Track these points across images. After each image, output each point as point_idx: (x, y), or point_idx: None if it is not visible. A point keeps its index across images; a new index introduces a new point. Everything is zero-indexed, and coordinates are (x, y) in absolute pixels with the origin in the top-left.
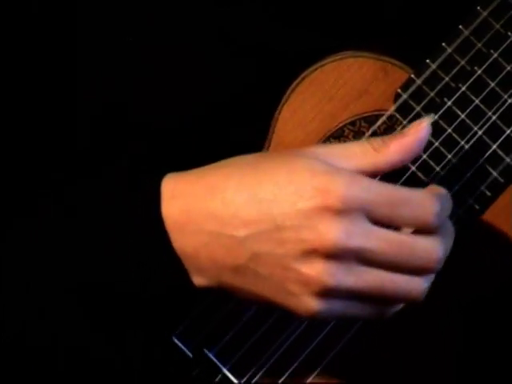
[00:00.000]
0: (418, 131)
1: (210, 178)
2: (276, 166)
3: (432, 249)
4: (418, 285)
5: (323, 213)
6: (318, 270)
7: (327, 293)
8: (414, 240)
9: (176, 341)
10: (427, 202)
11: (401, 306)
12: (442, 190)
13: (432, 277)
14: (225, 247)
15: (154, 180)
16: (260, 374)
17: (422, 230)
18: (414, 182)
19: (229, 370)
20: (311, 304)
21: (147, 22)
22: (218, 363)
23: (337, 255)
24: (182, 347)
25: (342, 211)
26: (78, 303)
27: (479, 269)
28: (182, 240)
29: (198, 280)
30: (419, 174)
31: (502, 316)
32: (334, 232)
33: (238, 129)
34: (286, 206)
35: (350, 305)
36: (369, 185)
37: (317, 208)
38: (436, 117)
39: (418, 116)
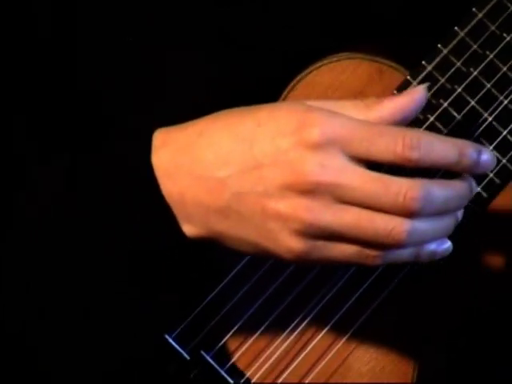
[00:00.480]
0: (413, 92)
1: (198, 123)
2: (260, 108)
3: (409, 186)
4: (398, 224)
5: (299, 147)
6: (295, 206)
7: (305, 229)
8: (389, 177)
9: (173, 343)
10: (404, 133)
11: (392, 254)
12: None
13: (421, 225)
14: (208, 189)
15: (146, 130)
16: (258, 375)
17: (404, 165)
18: None
19: (226, 372)
20: (291, 242)
21: (147, 21)
22: (215, 365)
23: (312, 190)
24: (179, 349)
25: (318, 145)
26: (78, 261)
27: (475, 279)
28: (170, 185)
29: (188, 228)
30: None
31: (498, 326)
32: (308, 166)
33: None
34: (266, 143)
35: (330, 245)
36: (345, 120)
37: (294, 143)
38: (432, 118)
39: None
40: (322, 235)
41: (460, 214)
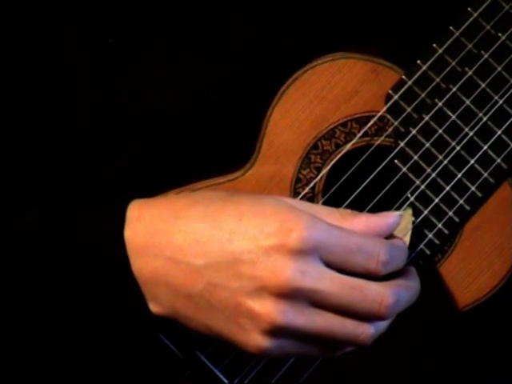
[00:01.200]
0: (388, 216)
1: (176, 204)
2: (243, 200)
3: (384, 294)
4: (366, 330)
5: (281, 251)
6: (269, 308)
7: (276, 331)
8: (366, 284)
9: (168, 342)
10: (378, 251)
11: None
12: (399, 242)
13: (383, 324)
14: (182, 274)
15: (121, 202)
16: (252, 375)
17: (372, 276)
18: (405, 183)
19: (221, 372)
20: (260, 341)
21: (131, 23)
22: (209, 365)
23: (289, 294)
24: (174, 348)
25: (300, 251)
26: (43, 323)
27: (456, 290)
28: (141, 264)
29: (154, 307)
30: (410, 175)
31: (480, 336)
32: (288, 271)
33: (230, 129)
34: (246, 240)
35: (299, 344)
36: (328, 229)
37: (276, 245)
38: (427, 118)
39: (408, 117)
40: (292, 336)
41: None
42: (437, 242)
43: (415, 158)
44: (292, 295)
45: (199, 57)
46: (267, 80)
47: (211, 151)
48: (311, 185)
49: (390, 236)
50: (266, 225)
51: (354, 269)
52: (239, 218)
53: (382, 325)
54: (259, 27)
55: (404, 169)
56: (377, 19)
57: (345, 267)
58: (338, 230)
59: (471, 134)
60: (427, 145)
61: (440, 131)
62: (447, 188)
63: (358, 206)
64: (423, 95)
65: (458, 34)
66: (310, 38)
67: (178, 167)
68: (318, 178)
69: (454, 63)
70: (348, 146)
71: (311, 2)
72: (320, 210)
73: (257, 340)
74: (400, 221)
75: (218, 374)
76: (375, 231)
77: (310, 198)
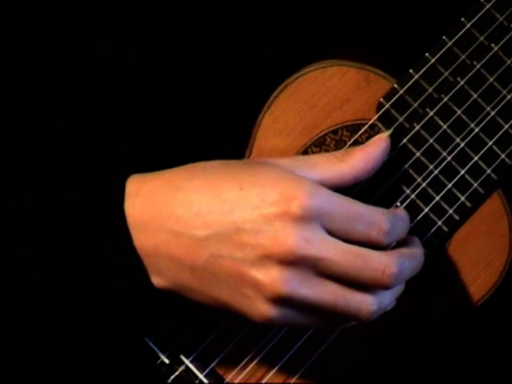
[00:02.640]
0: (380, 141)
1: (175, 178)
2: (241, 170)
3: (387, 262)
4: (369, 305)
5: (284, 219)
6: (273, 277)
7: (280, 300)
8: (369, 252)
9: (153, 346)
10: (380, 219)
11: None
12: (401, 212)
13: (385, 303)
14: (184, 247)
15: (120, 178)
16: (237, 380)
17: (373, 246)
18: (395, 192)
19: (205, 377)
20: (264, 309)
21: (123, 27)
22: (194, 370)
23: (293, 262)
24: (159, 353)
25: (303, 219)
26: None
27: (443, 293)
28: (143, 238)
29: (157, 281)
30: (400, 184)
31: (465, 341)
32: (292, 239)
33: (220, 135)
34: (248, 209)
35: (301, 314)
36: (330, 196)
37: (278, 214)
38: (418, 127)
39: (400, 126)
40: (297, 306)
41: None
42: (426, 251)
43: (405, 167)
44: (296, 263)
45: (189, 63)
46: (258, 86)
47: (201, 156)
48: None
49: None
50: (268, 194)
51: (355, 237)
52: (240, 188)
53: (385, 303)
54: (250, 34)
55: (394, 177)
56: (368, 26)
57: (346, 236)
58: (340, 198)
59: (462, 144)
60: (418, 154)
61: (431, 141)
62: (437, 198)
63: None
64: (415, 104)
65: (450, 43)
66: (300, 44)
67: (168, 166)
68: None
69: (446, 73)
70: None
71: (301, 9)
72: (317, 159)
73: (261, 309)
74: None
75: (203, 379)
76: (375, 161)
77: None
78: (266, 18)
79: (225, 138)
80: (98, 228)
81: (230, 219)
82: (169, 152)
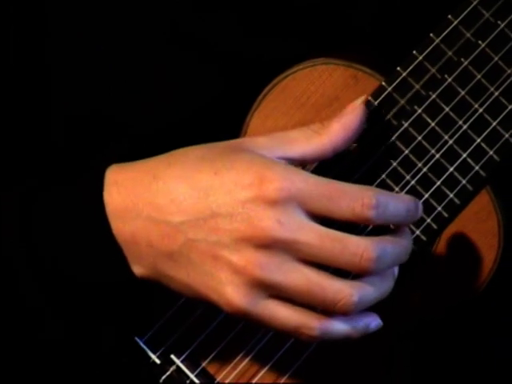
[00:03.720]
0: (355, 109)
1: (153, 166)
2: (218, 155)
3: (366, 246)
4: (347, 295)
5: (258, 202)
6: (247, 259)
7: (253, 284)
8: (347, 236)
9: (143, 346)
10: (364, 193)
11: (329, 329)
12: (400, 195)
13: (368, 296)
14: (161, 232)
15: (99, 168)
16: (228, 380)
17: (361, 223)
18: (384, 189)
19: (196, 376)
20: (234, 296)
21: (120, 29)
22: (185, 369)
23: (268, 245)
24: (150, 353)
25: (277, 202)
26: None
27: (433, 291)
28: (121, 226)
29: (137, 269)
30: (389, 182)
31: (452, 340)
32: (266, 222)
33: (213, 135)
34: (223, 194)
35: (272, 305)
36: (305, 176)
37: (252, 197)
38: (406, 124)
39: (388, 123)
40: (268, 292)
41: (396, 269)
42: (415, 248)
43: (394, 164)
44: (270, 246)
45: (184, 64)
46: (252, 87)
47: None
48: None
49: None
50: (242, 178)
51: (338, 215)
52: (214, 173)
53: (367, 296)
54: (243, 35)
55: (383, 175)
56: (357, 26)
57: (328, 214)
58: (316, 177)
59: (450, 141)
60: (406, 151)
61: (419, 138)
62: (426, 195)
63: None
64: (403, 102)
65: (438, 41)
66: (289, 45)
67: None
68: None
69: (433, 70)
70: None
71: (294, 11)
72: (294, 134)
73: (231, 295)
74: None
75: (194, 378)
76: (353, 129)
77: None
78: (258, 19)
79: (218, 138)
80: (78, 217)
81: (205, 204)
82: (161, 151)
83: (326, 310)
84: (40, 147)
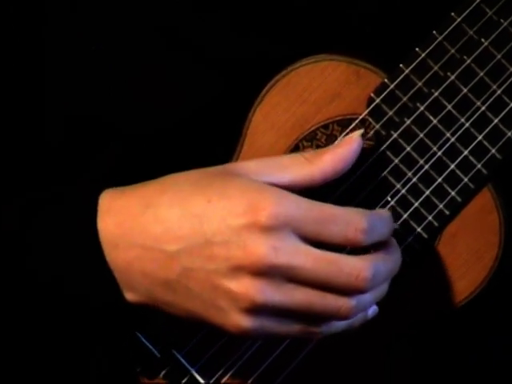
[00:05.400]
0: (351, 142)
1: (145, 192)
2: (210, 183)
3: (361, 267)
4: (347, 302)
5: (252, 229)
6: (247, 287)
7: (256, 309)
8: (341, 258)
9: (144, 340)
10: (356, 218)
11: (332, 327)
12: (382, 211)
13: (366, 297)
14: (156, 261)
15: (92, 194)
16: (228, 375)
17: (352, 247)
18: (386, 186)
19: (197, 372)
20: (240, 320)
21: (115, 32)
22: (186, 364)
23: (265, 272)
24: (150, 347)
25: (271, 228)
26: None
27: (434, 288)
28: (115, 254)
29: (130, 296)
30: (391, 179)
31: (449, 341)
32: (261, 249)
33: (209, 138)
34: (216, 222)
35: (279, 322)
36: (297, 202)
37: (246, 225)
38: (408, 122)
39: (390, 120)
40: (272, 314)
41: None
42: (416, 246)
43: (396, 161)
44: (267, 272)
45: (179, 68)
46: (248, 90)
47: (192, 160)
48: None
49: None
50: (235, 205)
51: (331, 240)
52: (208, 201)
53: (365, 301)
54: (239, 38)
55: (385, 172)
56: (357, 26)
57: (321, 239)
58: (309, 202)
59: (452, 139)
60: (408, 149)
61: (421, 135)
62: (427, 192)
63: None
64: (405, 99)
65: (441, 38)
66: (286, 47)
67: (159, 173)
68: None
69: (436, 67)
70: None
71: (289, 13)
72: (286, 161)
73: (236, 320)
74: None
75: (195, 373)
76: (345, 162)
77: None
78: (257, 19)
79: (215, 141)
80: (71, 244)
81: (200, 232)
82: (159, 155)
83: (328, 318)
84: (34, 151)
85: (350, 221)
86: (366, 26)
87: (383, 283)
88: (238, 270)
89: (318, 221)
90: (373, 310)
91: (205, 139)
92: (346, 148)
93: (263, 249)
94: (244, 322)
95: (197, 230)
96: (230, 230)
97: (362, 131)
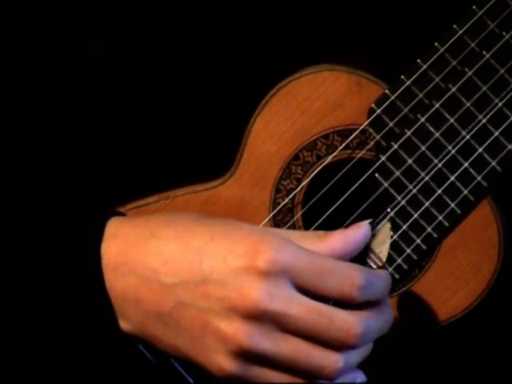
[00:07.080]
0: (360, 227)
1: (151, 223)
2: (215, 221)
3: (352, 322)
4: (333, 362)
5: (250, 272)
6: (236, 329)
7: (241, 353)
8: (334, 311)
9: (140, 347)
10: (354, 274)
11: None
12: (381, 271)
13: (353, 359)
14: (152, 292)
15: (101, 218)
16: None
17: (346, 302)
18: (385, 197)
19: (193, 379)
20: (224, 363)
21: (113, 31)
22: (182, 371)
23: (256, 316)
24: (147, 353)
25: (268, 273)
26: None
27: (431, 300)
28: (114, 280)
29: (124, 325)
30: (391, 190)
31: (450, 350)
32: (256, 293)
33: (211, 141)
34: (216, 260)
35: (263, 371)
36: (298, 251)
37: (244, 267)
38: (409, 133)
39: (391, 131)
40: (257, 360)
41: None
42: (415, 257)
43: (397, 173)
44: (259, 317)
45: (180, 71)
46: (249, 91)
47: (192, 161)
48: (291, 196)
49: (367, 250)
50: (236, 246)
51: (327, 293)
52: (211, 239)
53: (352, 361)
54: (239, 39)
55: (385, 184)
56: (360, 32)
57: (317, 291)
58: (309, 254)
59: (453, 151)
60: (409, 161)
61: (422, 147)
62: (427, 204)
63: (337, 219)
64: (406, 110)
65: (442, 50)
66: (289, 50)
67: (159, 175)
68: (298, 189)
69: (437, 79)
70: (329, 158)
71: (292, 15)
72: (294, 234)
73: (221, 361)
74: (377, 233)
75: (191, 381)
76: (354, 246)
77: (289, 209)
78: (257, 20)
79: (214, 141)
80: (73, 265)
81: (198, 268)
82: (158, 155)
83: (313, 375)
84: (34, 151)
85: (347, 276)
86: (366, 26)
87: (370, 342)
88: (231, 310)
89: (315, 272)
90: (361, 379)
91: (205, 139)
92: (356, 232)
93: (258, 293)
94: (228, 365)
95: (195, 266)
96: (228, 270)
97: (370, 220)
